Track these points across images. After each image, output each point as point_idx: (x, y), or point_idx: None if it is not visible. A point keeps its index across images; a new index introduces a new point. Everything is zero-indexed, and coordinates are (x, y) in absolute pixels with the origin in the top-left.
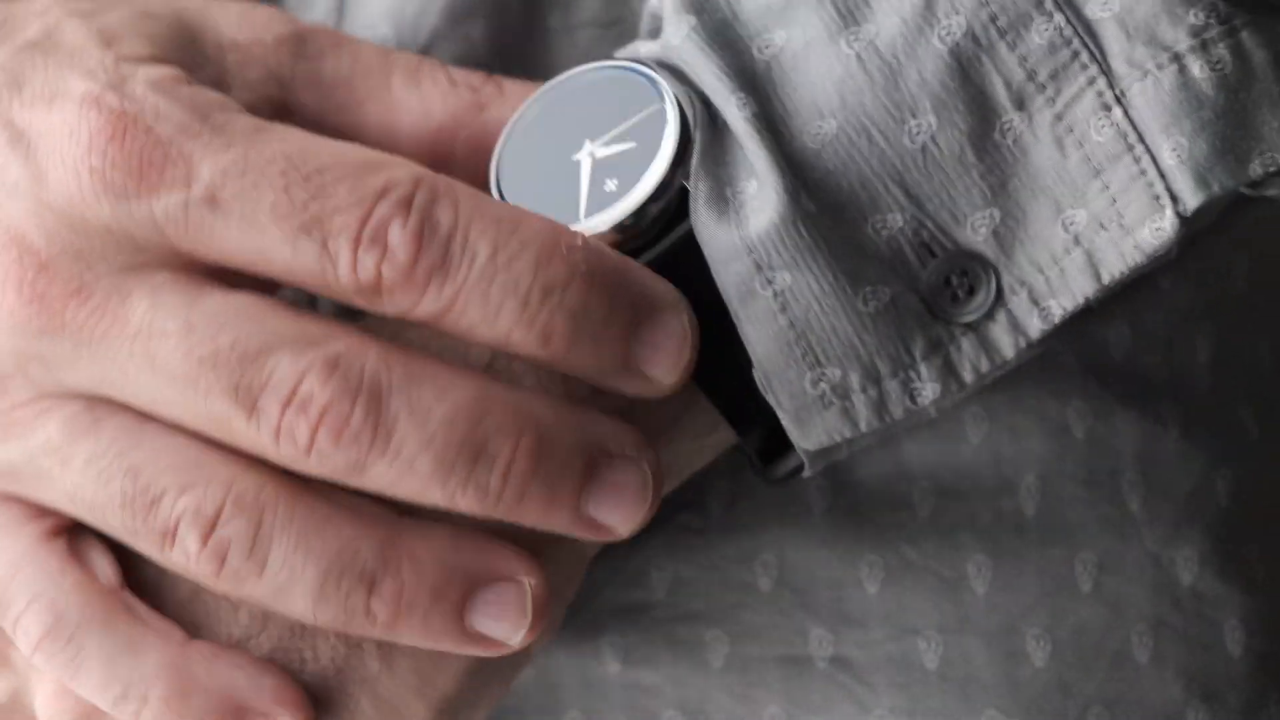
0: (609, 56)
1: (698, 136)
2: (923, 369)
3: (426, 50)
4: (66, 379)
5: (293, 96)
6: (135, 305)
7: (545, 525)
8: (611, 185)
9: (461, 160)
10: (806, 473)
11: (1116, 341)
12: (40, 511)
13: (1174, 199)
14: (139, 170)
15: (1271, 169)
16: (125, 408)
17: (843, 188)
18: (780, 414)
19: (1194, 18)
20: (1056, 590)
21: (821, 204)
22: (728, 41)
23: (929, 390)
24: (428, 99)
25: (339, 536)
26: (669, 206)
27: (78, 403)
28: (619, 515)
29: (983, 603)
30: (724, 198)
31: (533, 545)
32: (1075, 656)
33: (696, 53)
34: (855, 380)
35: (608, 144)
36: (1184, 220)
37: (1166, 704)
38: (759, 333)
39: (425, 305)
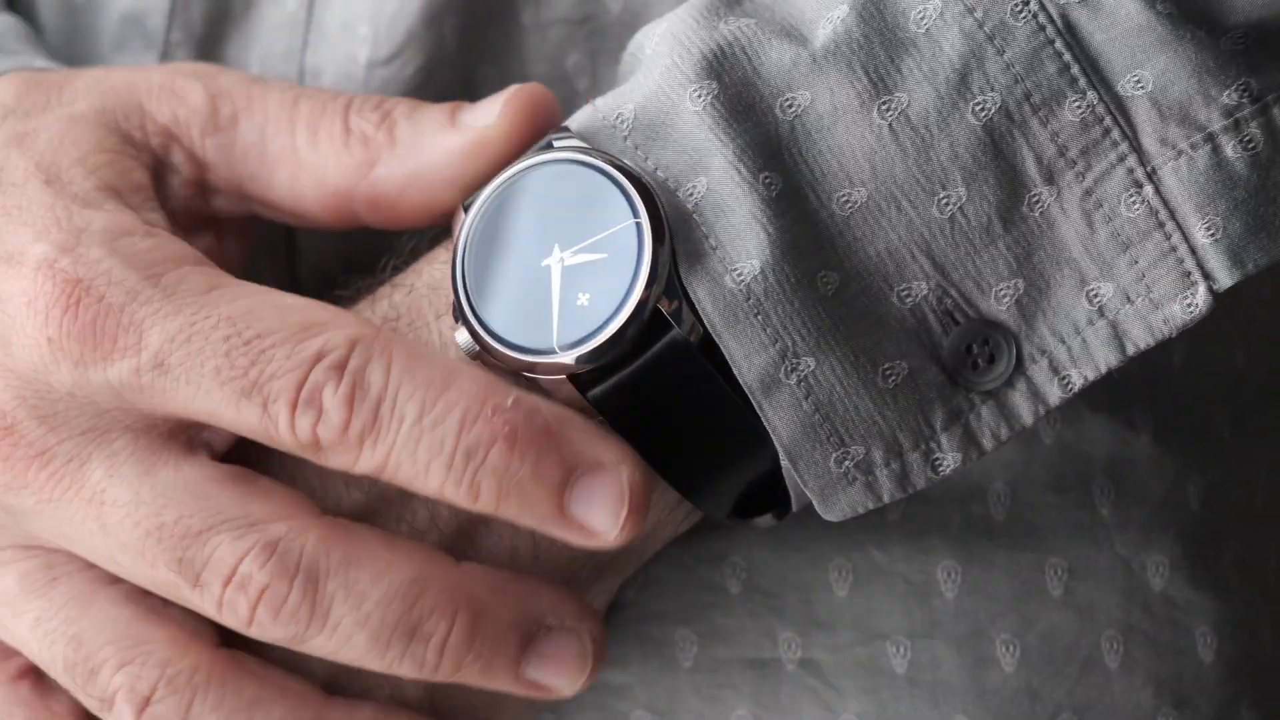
0: (572, 144)
1: (667, 242)
2: (943, 439)
3: (402, 49)
4: (31, 530)
5: (211, 174)
6: (92, 472)
7: (488, 686)
8: (584, 299)
9: (367, 217)
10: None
11: None
12: (7, 652)
13: (1206, 276)
14: (94, 339)
15: None
16: (86, 566)
17: (870, 255)
18: (807, 492)
19: (1227, 98)
20: (1026, 596)
21: (847, 272)
22: (749, 106)
23: (949, 460)
24: (324, 160)
25: (265, 718)
26: (644, 323)
27: (39, 557)
28: (560, 680)
29: (952, 608)
30: (730, 291)
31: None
32: (1045, 662)
33: (711, 133)
34: (878, 456)
35: (577, 253)
36: (1215, 296)
37: (1137, 710)
38: (783, 420)
39: (362, 463)
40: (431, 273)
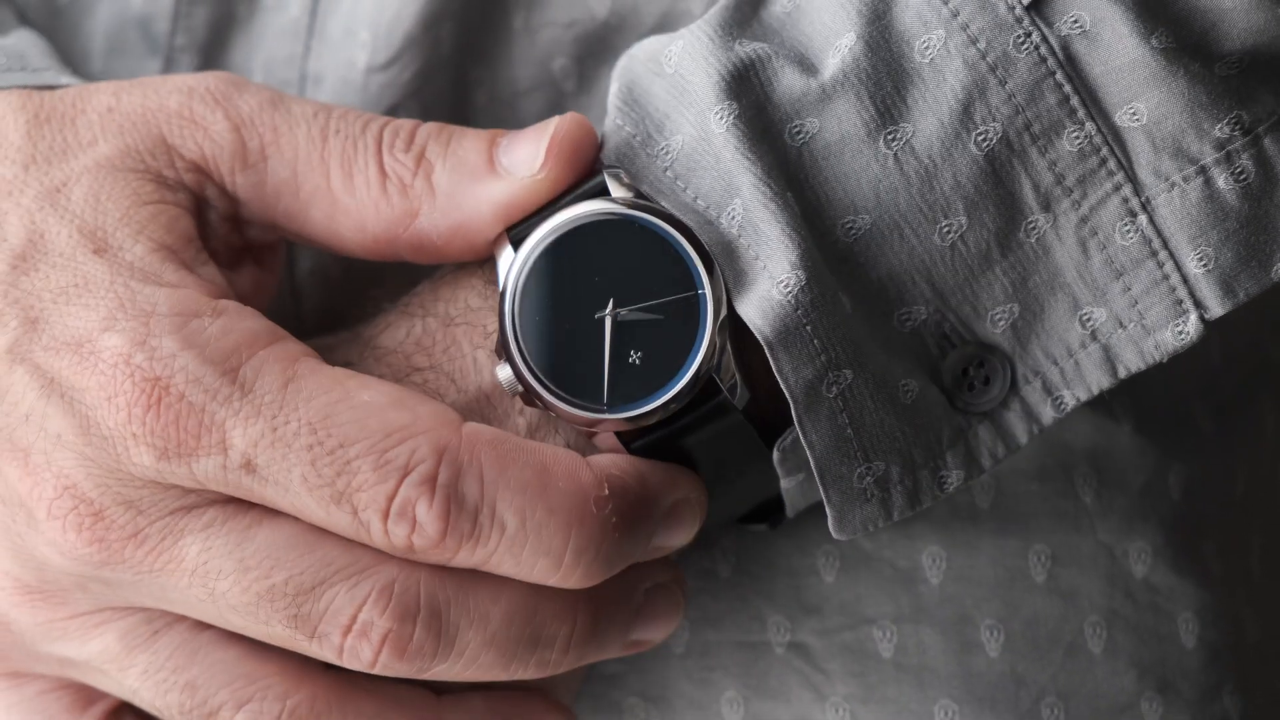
0: (628, 197)
1: (724, 309)
2: (949, 457)
3: (400, 54)
4: (129, 597)
5: (243, 210)
6: (189, 547)
7: (596, 660)
8: (635, 358)
9: (410, 256)
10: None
11: None
12: (89, 699)
13: (1198, 304)
14: (177, 437)
15: None
16: (183, 618)
17: (872, 281)
18: (828, 508)
19: (1219, 131)
20: (1011, 582)
21: (854, 296)
22: (764, 129)
23: (954, 478)
24: (362, 208)
25: None
26: (697, 388)
27: (137, 614)
28: (660, 633)
29: (937, 593)
30: (780, 304)
31: None
32: (1029, 647)
33: (738, 153)
34: (895, 473)
35: (633, 311)
36: (1206, 325)
37: (1120, 694)
38: (820, 432)
39: (460, 561)
40: (468, 300)
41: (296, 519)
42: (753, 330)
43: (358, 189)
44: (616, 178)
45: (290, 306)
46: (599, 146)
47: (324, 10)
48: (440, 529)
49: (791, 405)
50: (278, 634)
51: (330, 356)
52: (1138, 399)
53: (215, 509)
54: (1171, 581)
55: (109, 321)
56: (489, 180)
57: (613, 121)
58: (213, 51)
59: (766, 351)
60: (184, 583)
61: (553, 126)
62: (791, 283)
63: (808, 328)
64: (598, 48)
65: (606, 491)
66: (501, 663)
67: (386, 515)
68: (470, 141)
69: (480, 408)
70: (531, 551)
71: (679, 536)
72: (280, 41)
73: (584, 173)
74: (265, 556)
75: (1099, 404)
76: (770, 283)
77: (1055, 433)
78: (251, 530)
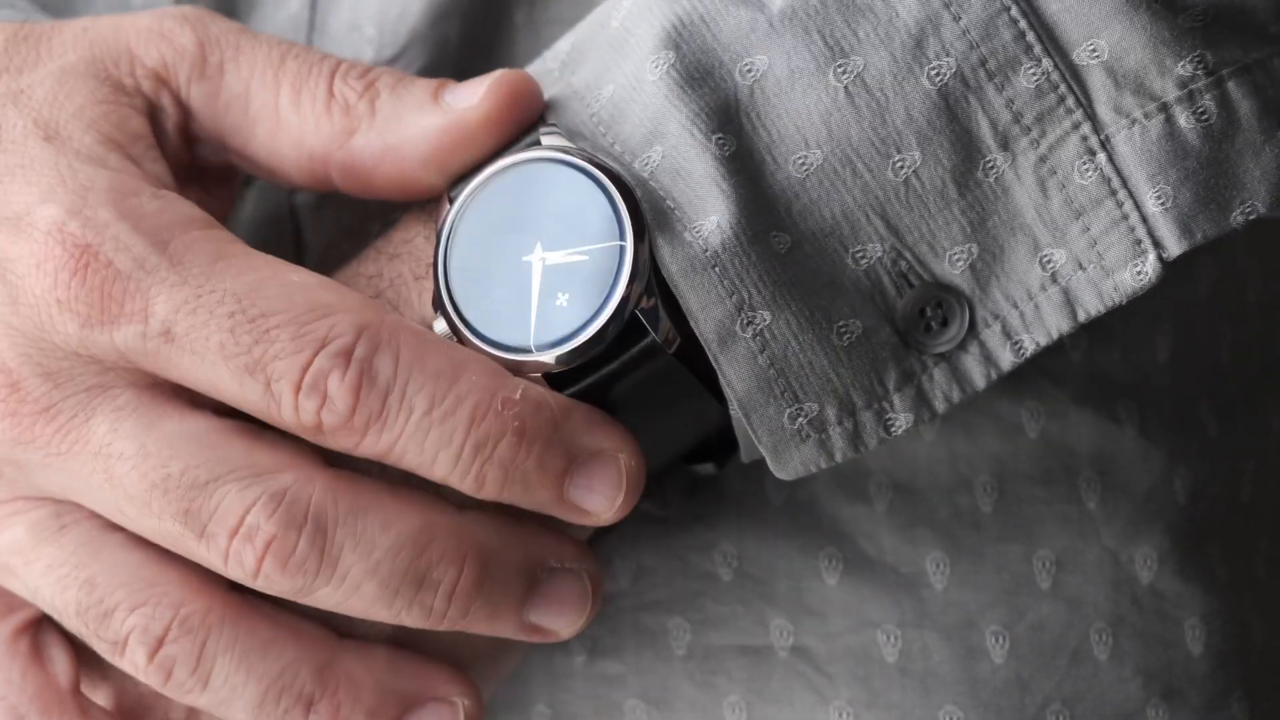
0: (559, 143)
1: (647, 241)
2: (895, 400)
3: (405, 49)
4: (39, 483)
5: (194, 123)
6: (97, 426)
7: (490, 633)
8: (563, 300)
9: (340, 184)
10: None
11: (1074, 341)
12: (9, 606)
13: (1156, 244)
14: (100, 303)
15: (1251, 216)
16: (92, 514)
17: (825, 217)
18: (760, 448)
19: (1182, 69)
20: (1015, 587)
21: (802, 233)
22: (707, 71)
23: (902, 420)
24: (304, 122)
25: (280, 658)
26: (622, 326)
27: (47, 506)
28: (562, 621)
29: (941, 598)
30: (689, 245)
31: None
32: (1034, 653)
33: (666, 100)
34: (831, 414)
35: (559, 253)
36: (1165, 265)
37: (1126, 702)
38: (739, 373)
39: (365, 447)
40: (415, 240)
41: (206, 418)
42: (661, 270)
43: (303, 105)
44: (552, 133)
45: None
46: (542, 106)
47: (325, 5)
48: (350, 404)
49: (704, 344)
50: (168, 530)
51: None
52: (1142, 401)
53: (131, 392)
54: (1178, 587)
55: (47, 194)
56: (429, 110)
57: (556, 80)
58: None
59: (673, 291)
60: (87, 467)
61: (498, 74)
62: (703, 228)
63: (715, 269)
64: None
65: (518, 395)
66: (384, 598)
67: (299, 387)
68: (421, 82)
69: None
70: (434, 441)
71: (598, 495)
72: (280, 36)
73: (523, 124)
74: (166, 445)
75: (1102, 407)
76: (681, 225)
77: (1058, 436)
78: (160, 420)
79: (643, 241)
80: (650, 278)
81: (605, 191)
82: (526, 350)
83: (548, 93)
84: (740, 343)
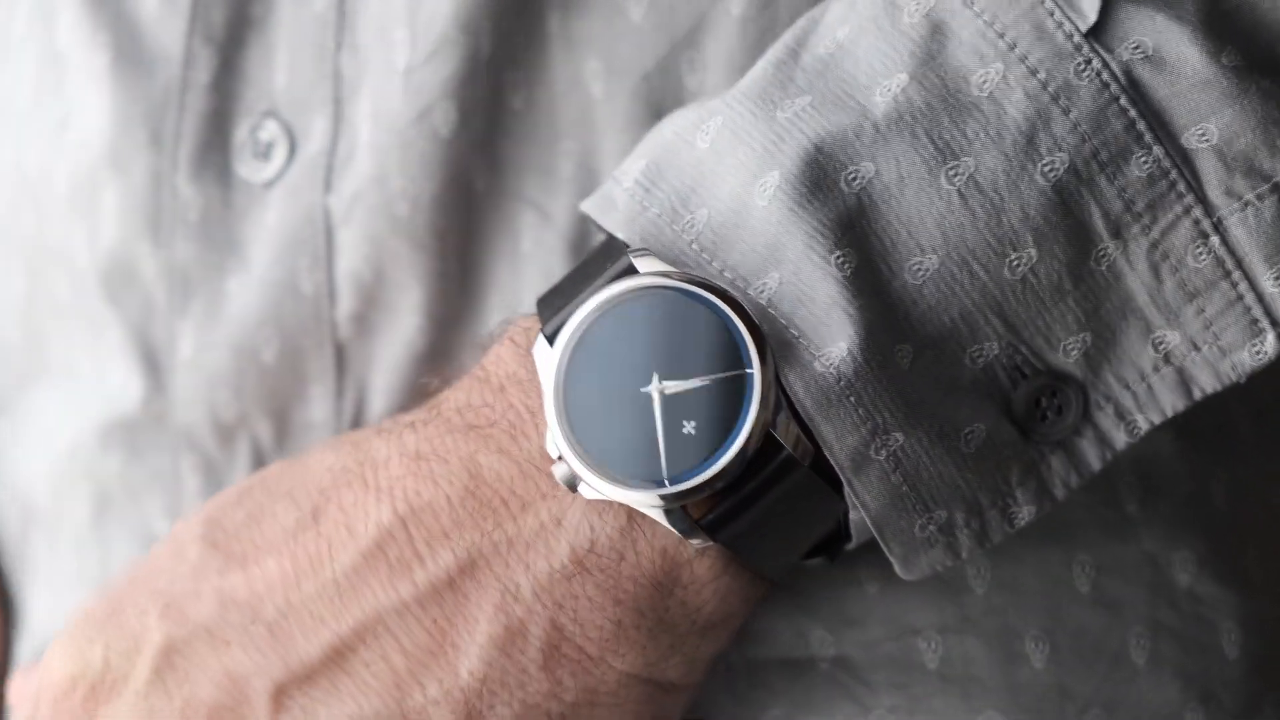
0: (659, 268)
1: (771, 362)
2: (1019, 494)
3: (435, 53)
4: None
5: None
6: None
7: None
8: (689, 428)
9: None
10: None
11: None
12: None
13: (1275, 323)
14: None
15: None
16: None
17: (944, 322)
18: (891, 558)
19: None
20: (1055, 592)
21: (922, 340)
22: (815, 185)
23: (1025, 513)
24: None
25: None
26: (758, 449)
27: None
28: None
29: (982, 603)
30: (821, 376)
31: None
32: (1074, 658)
33: (780, 225)
34: (960, 518)
35: (681, 382)
36: None
37: (1164, 705)
38: (873, 493)
39: None
40: (518, 374)
41: None
42: (793, 401)
43: None
44: (644, 256)
45: (326, 311)
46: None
47: (352, 8)
48: None
49: (839, 472)
50: None
51: (403, 418)
52: None
53: None
54: (1215, 591)
55: None
56: None
57: (638, 202)
58: (230, 50)
59: (808, 423)
60: None
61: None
62: (833, 356)
63: (850, 399)
64: (629, 52)
65: None
66: None
67: None
68: None
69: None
70: None
71: None
72: (306, 35)
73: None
74: None
75: None
76: (809, 355)
77: None
78: None
79: (767, 364)
80: (779, 397)
81: (722, 315)
82: (660, 484)
83: (623, 216)
84: (874, 466)
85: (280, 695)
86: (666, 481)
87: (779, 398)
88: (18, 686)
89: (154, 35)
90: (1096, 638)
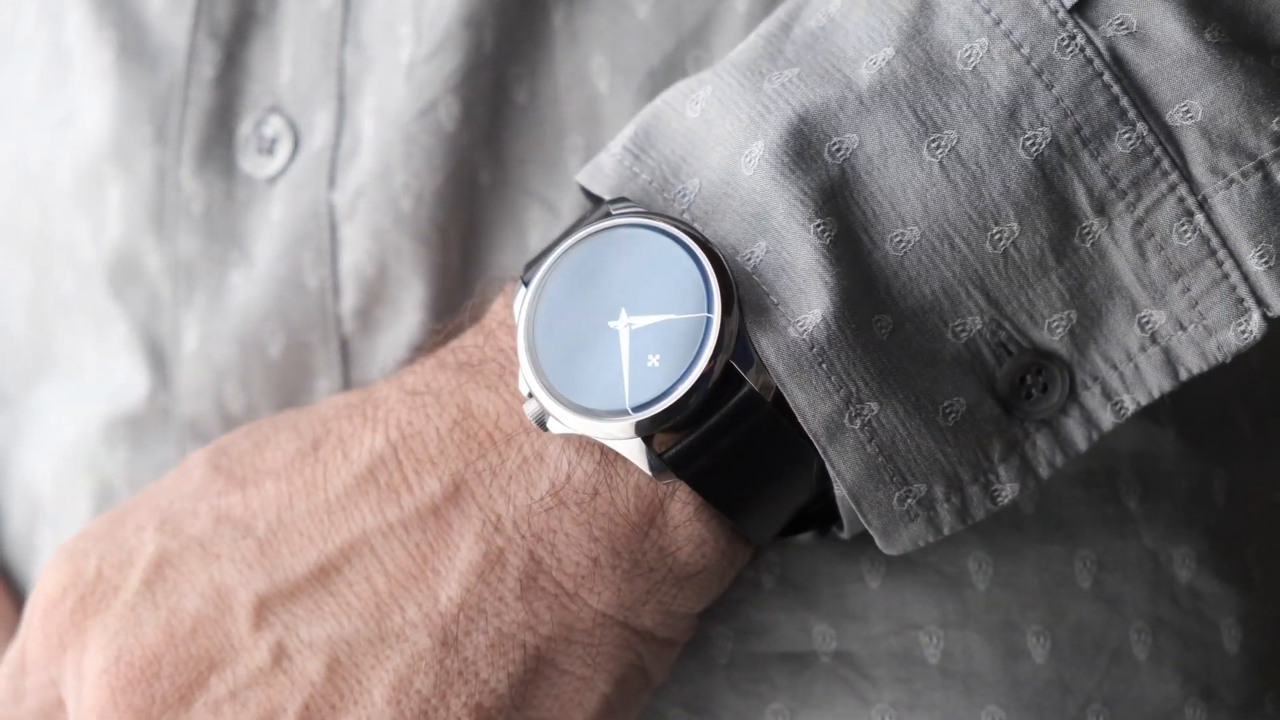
0: (634, 209)
1: (736, 307)
2: (1001, 471)
3: (440, 48)
4: None
5: None
6: None
7: None
8: (654, 360)
9: None
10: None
11: None
12: None
13: (1260, 302)
14: None
15: None
16: None
17: (925, 294)
18: (869, 529)
19: (1276, 125)
20: (1056, 587)
21: (902, 312)
22: (798, 155)
23: (1008, 490)
24: None
25: None
26: (718, 381)
27: None
28: None
29: (983, 599)
30: (794, 341)
31: None
32: (1075, 654)
33: (764, 195)
34: (940, 491)
35: (646, 316)
36: (1269, 321)
37: (1165, 701)
38: (848, 463)
39: None
40: (505, 316)
41: None
42: (767, 368)
43: None
44: (623, 203)
45: (331, 305)
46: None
47: (357, 4)
48: None
49: (813, 439)
50: None
51: (419, 366)
52: (1180, 402)
53: None
54: (1215, 587)
55: None
56: None
57: (627, 168)
58: (235, 45)
59: (781, 390)
60: None
61: None
62: (807, 322)
63: (823, 365)
64: (636, 48)
65: None
66: None
67: None
68: None
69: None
70: None
71: None
72: (313, 31)
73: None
74: None
75: (1143, 409)
76: (785, 320)
77: (1099, 438)
78: None
79: (732, 300)
80: (745, 339)
81: (688, 250)
82: (623, 414)
83: (612, 180)
84: (849, 434)
85: (263, 609)
86: (630, 410)
87: (749, 343)
88: None
89: (159, 30)
90: (1098, 633)
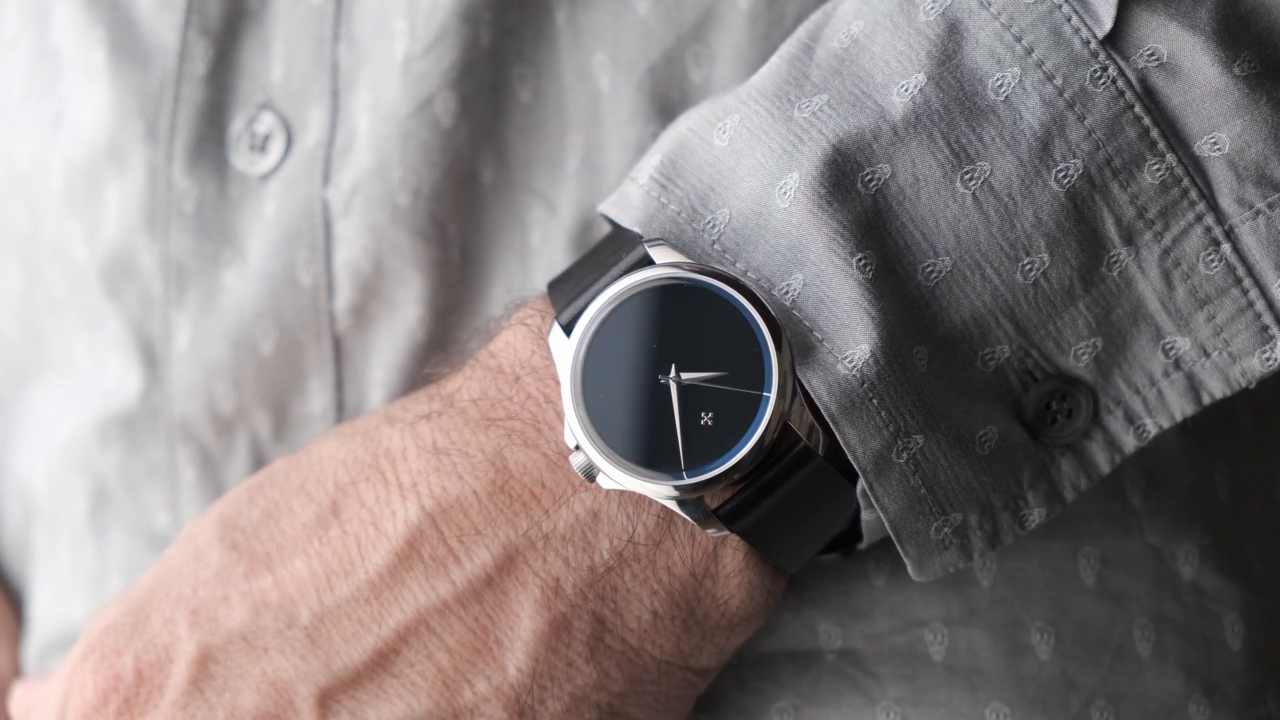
0: (675, 259)
1: (787, 351)
2: (1030, 496)
3: (435, 44)
4: None
5: None
6: None
7: None
8: (707, 419)
9: None
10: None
11: None
12: None
13: None
14: None
15: None
16: None
17: (955, 324)
18: (905, 560)
19: None
20: (1060, 584)
21: (935, 342)
22: (834, 186)
23: (1036, 514)
24: None
25: None
26: (774, 437)
27: None
28: None
29: (987, 595)
30: (844, 379)
31: None
32: (1079, 650)
33: (801, 228)
34: (973, 520)
35: (696, 372)
36: None
37: (1168, 697)
38: (892, 496)
39: None
40: (532, 360)
41: None
42: (817, 404)
43: None
44: (660, 248)
45: (325, 303)
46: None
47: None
48: None
49: (860, 475)
50: None
51: (412, 406)
52: None
53: None
54: (1218, 583)
55: None
56: None
57: (655, 199)
58: (226, 42)
59: (831, 426)
60: None
61: None
62: (856, 358)
63: (874, 400)
64: (636, 45)
65: None
66: None
67: None
68: None
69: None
70: None
71: None
72: (305, 27)
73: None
74: None
75: None
76: (833, 357)
77: None
78: None
79: (784, 354)
80: (795, 386)
81: (738, 307)
82: (678, 474)
83: (639, 213)
84: (895, 468)
85: (326, 699)
86: (685, 473)
87: (795, 387)
88: (19, 698)
89: (150, 28)
90: (1101, 629)
